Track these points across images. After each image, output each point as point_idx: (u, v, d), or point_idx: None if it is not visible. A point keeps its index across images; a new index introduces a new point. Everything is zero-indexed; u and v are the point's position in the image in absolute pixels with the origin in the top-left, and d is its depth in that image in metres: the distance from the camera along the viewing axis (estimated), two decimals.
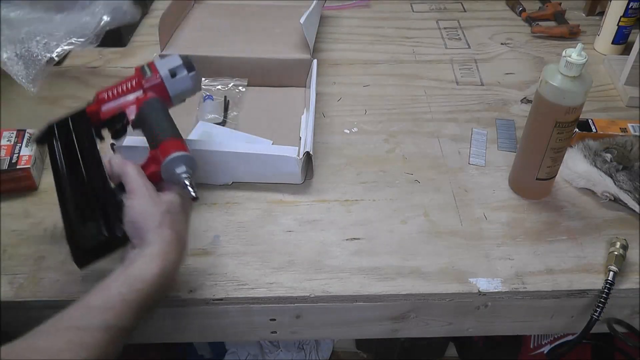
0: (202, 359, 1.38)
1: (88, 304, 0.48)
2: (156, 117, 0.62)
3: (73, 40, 0.76)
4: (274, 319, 0.64)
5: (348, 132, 0.84)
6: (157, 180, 0.57)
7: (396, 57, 1.00)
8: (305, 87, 0.89)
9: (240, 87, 0.87)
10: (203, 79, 0.76)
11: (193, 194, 0.56)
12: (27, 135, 0.74)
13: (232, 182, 0.74)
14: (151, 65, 0.64)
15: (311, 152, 0.71)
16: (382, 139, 0.82)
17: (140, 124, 0.62)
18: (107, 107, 0.62)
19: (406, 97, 0.90)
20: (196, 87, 0.66)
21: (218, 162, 0.71)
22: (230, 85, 0.87)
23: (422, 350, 1.32)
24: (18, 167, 0.70)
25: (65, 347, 0.44)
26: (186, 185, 0.56)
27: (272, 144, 0.78)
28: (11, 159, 0.71)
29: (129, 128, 0.64)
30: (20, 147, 0.72)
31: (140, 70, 0.64)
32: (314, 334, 0.67)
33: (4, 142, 0.73)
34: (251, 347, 1.39)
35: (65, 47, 0.76)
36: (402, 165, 0.78)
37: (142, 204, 0.53)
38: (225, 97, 0.85)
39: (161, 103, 0.63)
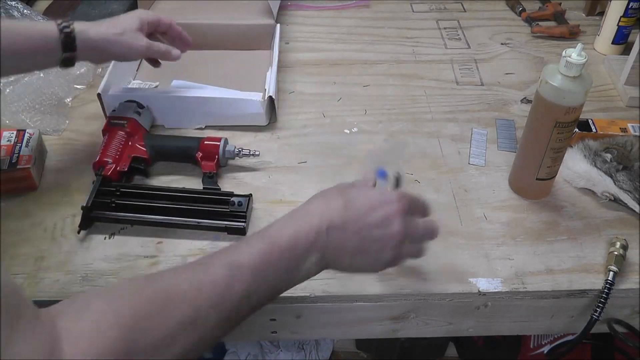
0: (202, 359, 1.38)
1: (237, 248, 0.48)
2: (167, 140, 0.78)
3: (77, 86, 0.91)
4: (274, 319, 0.64)
5: (348, 132, 0.84)
6: (219, 167, 0.75)
7: (396, 57, 1.00)
8: (270, 49, 0.97)
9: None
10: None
11: (257, 152, 0.75)
12: (27, 135, 0.74)
13: (205, 126, 0.83)
14: (114, 117, 0.76)
15: (274, 97, 0.81)
16: (382, 139, 0.82)
17: (158, 154, 0.75)
18: (120, 162, 0.73)
19: (406, 97, 0.90)
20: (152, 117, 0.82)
21: (192, 107, 0.81)
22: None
23: (422, 350, 1.32)
24: (18, 167, 0.71)
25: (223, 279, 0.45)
26: (248, 152, 0.75)
27: None
28: (11, 159, 0.71)
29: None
30: (20, 147, 0.72)
31: (110, 124, 0.76)
32: (314, 334, 0.67)
33: (4, 142, 0.73)
34: (251, 347, 1.39)
35: (75, 93, 0.90)
36: (401, 165, 0.78)
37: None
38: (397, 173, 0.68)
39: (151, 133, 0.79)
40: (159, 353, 0.41)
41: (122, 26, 0.70)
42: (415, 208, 0.54)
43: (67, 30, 0.65)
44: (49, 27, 0.65)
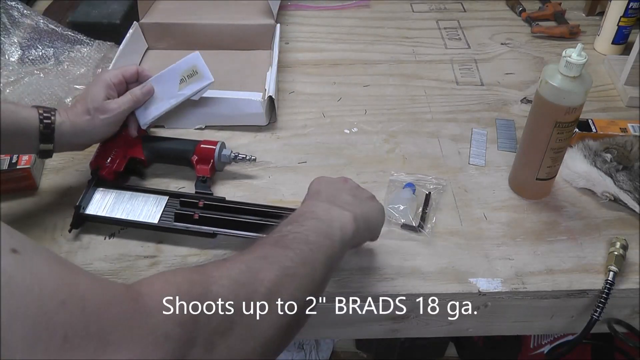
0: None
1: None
2: (164, 143, 0.77)
3: (77, 87, 0.90)
4: None
5: (348, 132, 0.84)
6: (214, 171, 0.74)
7: (396, 57, 1.00)
8: (270, 49, 0.96)
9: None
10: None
11: (253, 157, 0.74)
12: None
13: (205, 127, 0.83)
14: None
15: (274, 97, 0.81)
16: (382, 139, 0.82)
17: (155, 155, 0.75)
18: (116, 162, 0.72)
19: (406, 97, 0.90)
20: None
21: (192, 107, 0.81)
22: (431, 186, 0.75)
23: (422, 350, 1.32)
24: (18, 167, 0.71)
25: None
26: (244, 157, 0.74)
27: None
28: (11, 159, 0.71)
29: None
30: None
31: None
32: (314, 334, 0.67)
33: None
34: None
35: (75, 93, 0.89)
36: (402, 165, 0.78)
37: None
38: (428, 193, 0.73)
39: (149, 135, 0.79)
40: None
41: (91, 105, 0.67)
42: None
43: (48, 121, 0.63)
44: (32, 115, 0.62)
